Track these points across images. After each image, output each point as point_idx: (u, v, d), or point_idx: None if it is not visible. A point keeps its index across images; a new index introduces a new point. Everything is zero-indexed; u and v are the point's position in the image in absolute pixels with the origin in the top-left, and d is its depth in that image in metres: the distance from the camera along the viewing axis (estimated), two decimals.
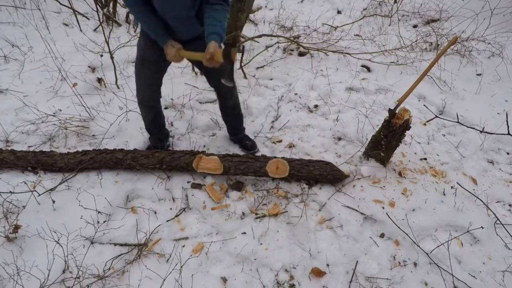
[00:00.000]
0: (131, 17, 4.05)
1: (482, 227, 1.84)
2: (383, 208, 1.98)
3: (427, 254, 1.76)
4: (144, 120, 2.20)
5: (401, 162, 2.34)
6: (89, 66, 3.07)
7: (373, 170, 2.20)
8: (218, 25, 1.64)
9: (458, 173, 2.31)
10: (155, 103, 2.11)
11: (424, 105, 2.51)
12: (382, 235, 1.85)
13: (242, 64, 3.27)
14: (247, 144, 2.35)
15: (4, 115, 2.46)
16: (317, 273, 1.64)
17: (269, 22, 4.45)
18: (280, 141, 2.47)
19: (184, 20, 1.69)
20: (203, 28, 1.67)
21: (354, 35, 4.31)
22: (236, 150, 2.37)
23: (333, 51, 3.69)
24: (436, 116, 1.28)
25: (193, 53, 1.75)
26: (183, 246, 1.73)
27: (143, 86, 1.99)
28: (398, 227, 1.84)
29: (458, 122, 1.23)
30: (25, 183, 1.93)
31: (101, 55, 3.11)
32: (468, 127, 1.46)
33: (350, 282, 1.61)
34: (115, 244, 1.70)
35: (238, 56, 3.20)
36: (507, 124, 1.06)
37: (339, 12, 5.12)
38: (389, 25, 4.62)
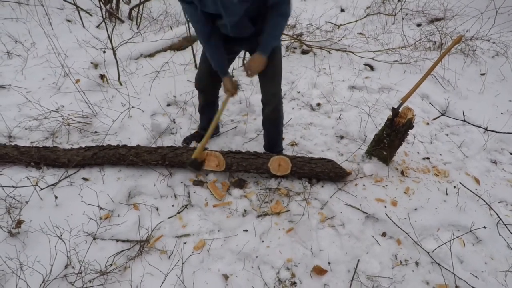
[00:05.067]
0: (134, 13, 4.05)
1: (484, 227, 1.83)
2: (385, 207, 1.97)
3: (429, 253, 1.75)
4: (198, 101, 2.26)
5: (404, 161, 2.33)
6: (91, 63, 3.07)
7: (376, 169, 2.20)
8: (270, 36, 1.71)
9: (461, 172, 2.31)
10: (208, 91, 2.13)
11: (430, 103, 2.49)
12: (384, 234, 1.85)
13: (245, 62, 3.27)
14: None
15: (7, 110, 2.46)
16: (319, 271, 1.64)
17: None
18: (283, 139, 2.47)
19: (238, 23, 1.71)
20: (255, 28, 1.74)
21: (358, 33, 4.29)
22: (238, 147, 2.36)
23: (336, 50, 3.68)
24: (442, 114, 1.28)
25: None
26: (185, 243, 1.73)
27: (203, 71, 2.04)
28: (399, 227, 1.84)
29: (464, 120, 1.22)
30: (28, 178, 1.93)
31: (104, 52, 3.11)
32: (474, 125, 1.45)
33: (352, 280, 1.61)
34: (117, 240, 1.70)
35: (241, 54, 3.20)
36: None
37: (342, 10, 5.10)
38: (392, 24, 4.60)
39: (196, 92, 2.35)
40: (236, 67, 3.27)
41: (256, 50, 1.76)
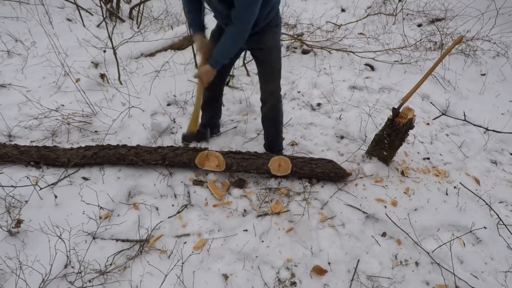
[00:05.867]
0: (134, 13, 4.05)
1: (484, 228, 1.83)
2: (385, 207, 1.97)
3: (429, 253, 1.75)
4: (203, 97, 2.23)
5: (404, 161, 2.33)
6: (92, 62, 3.07)
7: (376, 169, 2.19)
8: (218, 49, 1.76)
9: (461, 173, 2.30)
10: (213, 87, 2.09)
11: (431, 102, 2.49)
12: (384, 234, 1.85)
13: (245, 62, 3.26)
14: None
15: (7, 109, 2.46)
16: (319, 271, 1.64)
17: None
18: (283, 139, 2.46)
19: (226, 22, 1.75)
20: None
21: (358, 33, 4.29)
22: (238, 147, 2.36)
23: (336, 50, 3.67)
24: (443, 114, 1.27)
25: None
26: (185, 243, 1.73)
27: None
28: (399, 227, 1.84)
29: (464, 120, 1.22)
30: (27, 177, 1.93)
31: (104, 51, 3.10)
32: (474, 125, 1.45)
33: (352, 280, 1.61)
34: (117, 240, 1.70)
35: (242, 54, 3.20)
36: None
37: (343, 10, 5.10)
38: (393, 24, 4.60)
39: (192, 93, 2.36)
40: (237, 67, 3.27)
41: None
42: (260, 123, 2.23)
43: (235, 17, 1.61)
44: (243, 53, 3.25)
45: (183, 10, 1.98)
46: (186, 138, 2.19)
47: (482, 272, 1.70)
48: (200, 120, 2.31)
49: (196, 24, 1.90)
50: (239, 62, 3.28)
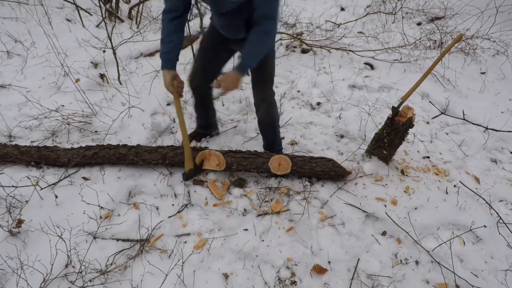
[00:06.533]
0: (134, 13, 4.04)
1: (484, 226, 1.83)
2: (385, 206, 1.97)
3: (429, 252, 1.75)
4: (193, 99, 2.22)
5: (404, 160, 2.33)
6: (91, 62, 3.07)
7: (376, 168, 2.20)
8: (247, 55, 1.59)
9: (461, 171, 2.31)
10: (201, 89, 2.09)
11: (429, 101, 2.49)
12: (384, 233, 1.85)
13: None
14: None
15: (7, 110, 2.46)
16: (319, 270, 1.64)
17: None
18: (283, 138, 2.47)
19: (231, 24, 1.68)
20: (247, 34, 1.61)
21: (358, 32, 4.28)
22: (238, 147, 2.36)
23: (336, 49, 3.67)
24: (442, 113, 1.28)
25: (179, 110, 1.84)
26: (185, 242, 1.74)
27: (196, 69, 2.02)
28: (399, 226, 1.84)
29: (463, 119, 1.22)
30: (28, 178, 1.93)
31: (104, 51, 3.10)
32: (473, 124, 1.45)
33: (352, 279, 1.61)
34: (117, 240, 1.71)
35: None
36: None
37: (342, 9, 5.09)
38: (392, 23, 4.59)
39: (191, 93, 2.34)
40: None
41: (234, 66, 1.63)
42: None
43: (261, 17, 1.50)
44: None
45: (162, 34, 1.66)
46: (187, 176, 2.02)
47: (482, 270, 1.71)
48: (196, 126, 2.31)
49: (173, 56, 1.66)
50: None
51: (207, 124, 2.37)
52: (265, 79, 1.91)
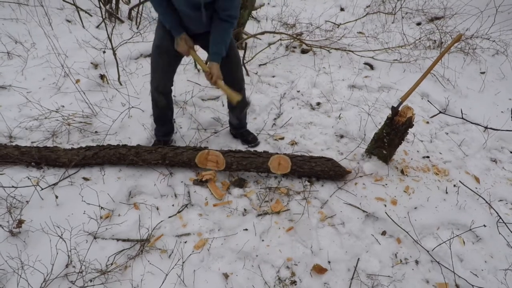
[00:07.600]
0: (134, 13, 4.05)
1: (484, 226, 1.83)
2: (385, 205, 1.98)
3: (429, 252, 1.76)
4: (154, 110, 2.22)
5: (404, 160, 2.33)
6: (91, 63, 3.07)
7: (375, 168, 2.20)
8: (222, 44, 1.81)
9: (461, 171, 2.31)
10: (168, 90, 2.14)
11: (428, 101, 2.50)
12: (383, 233, 1.85)
13: (245, 61, 3.27)
14: (249, 138, 2.36)
15: (7, 111, 2.47)
16: (319, 270, 1.64)
17: (272, 19, 4.44)
18: (282, 138, 2.47)
19: (194, 19, 1.78)
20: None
21: (357, 32, 4.29)
22: (238, 147, 2.37)
23: (335, 49, 3.67)
24: (441, 112, 1.28)
25: (201, 61, 1.93)
26: (185, 242, 1.74)
27: (158, 73, 2.04)
28: (399, 226, 1.84)
29: (462, 118, 1.23)
30: (28, 178, 1.94)
31: (104, 52, 3.11)
32: (472, 123, 1.45)
33: (352, 279, 1.62)
34: (117, 240, 1.71)
35: (241, 53, 3.20)
36: None
37: (342, 10, 5.10)
38: (392, 23, 4.60)
39: (191, 93, 2.35)
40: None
41: (209, 60, 1.84)
42: (259, 123, 2.25)
43: (228, 15, 1.73)
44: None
45: (157, 12, 1.84)
46: (242, 107, 1.99)
47: (482, 270, 1.71)
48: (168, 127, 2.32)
49: (179, 22, 1.82)
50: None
51: (170, 127, 2.33)
52: (239, 61, 2.08)
